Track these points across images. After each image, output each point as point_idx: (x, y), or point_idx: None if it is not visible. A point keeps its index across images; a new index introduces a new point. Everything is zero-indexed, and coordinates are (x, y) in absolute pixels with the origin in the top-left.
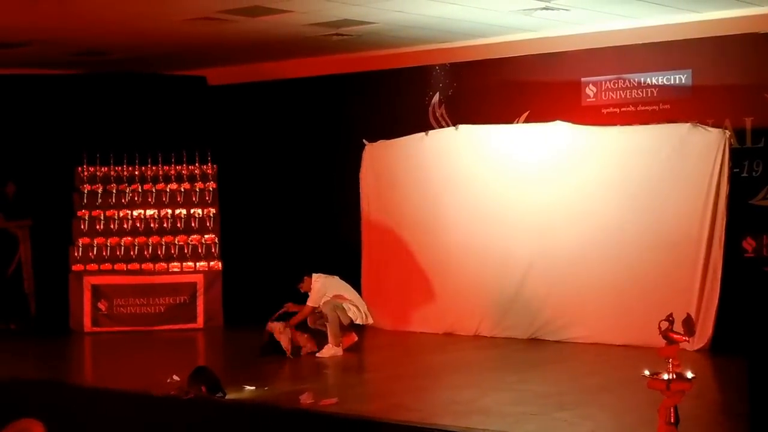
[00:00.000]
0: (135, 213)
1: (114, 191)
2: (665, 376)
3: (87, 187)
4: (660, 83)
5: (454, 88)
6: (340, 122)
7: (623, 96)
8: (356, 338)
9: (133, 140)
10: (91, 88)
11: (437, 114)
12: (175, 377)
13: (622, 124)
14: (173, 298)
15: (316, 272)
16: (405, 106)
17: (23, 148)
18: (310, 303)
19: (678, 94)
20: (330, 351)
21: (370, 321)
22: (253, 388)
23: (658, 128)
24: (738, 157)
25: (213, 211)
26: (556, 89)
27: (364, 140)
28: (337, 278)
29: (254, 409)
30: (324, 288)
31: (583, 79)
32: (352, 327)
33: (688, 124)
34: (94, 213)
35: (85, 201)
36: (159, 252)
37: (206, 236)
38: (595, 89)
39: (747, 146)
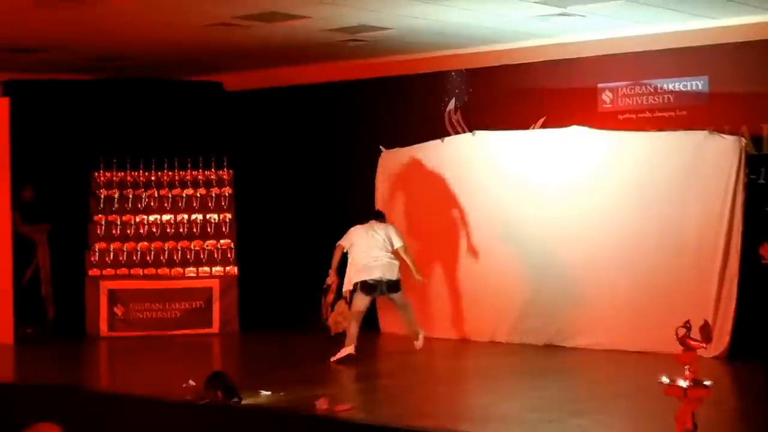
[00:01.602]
0: (151, 218)
1: (130, 196)
2: (682, 383)
3: (103, 192)
4: (676, 89)
5: (470, 94)
6: (355, 128)
7: (640, 102)
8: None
9: (150, 145)
10: (108, 94)
11: (453, 120)
12: (191, 382)
13: (639, 130)
14: (189, 303)
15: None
16: (421, 112)
17: (41, 152)
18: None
19: (695, 101)
20: (344, 352)
21: (364, 277)
22: (269, 393)
23: (675, 135)
24: (755, 163)
25: (229, 216)
26: (573, 95)
27: (381, 147)
28: (371, 231)
29: (270, 414)
30: (351, 235)
31: (599, 85)
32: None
33: (705, 132)
34: (111, 218)
35: (101, 206)
36: (175, 257)
37: (222, 241)
38: (611, 95)
39: (764, 153)
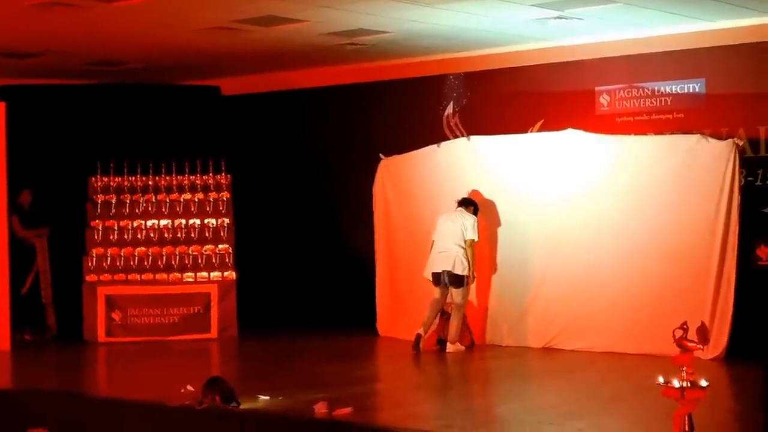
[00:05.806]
0: (149, 223)
1: (128, 201)
2: (679, 384)
3: (101, 197)
4: (674, 92)
5: (468, 97)
6: (353, 131)
7: (637, 105)
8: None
9: (147, 150)
10: (105, 98)
11: (451, 123)
12: (189, 387)
13: (636, 133)
14: (187, 308)
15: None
16: (419, 116)
17: (38, 158)
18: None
19: (692, 103)
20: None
21: (429, 269)
22: (267, 397)
23: (667, 139)
24: (752, 166)
25: (227, 221)
26: (570, 98)
27: (380, 155)
28: (449, 221)
29: (268, 418)
30: (436, 225)
31: (597, 88)
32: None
33: (697, 135)
34: (108, 223)
35: (98, 211)
36: (173, 262)
37: (220, 246)
38: (609, 98)
39: (761, 155)
